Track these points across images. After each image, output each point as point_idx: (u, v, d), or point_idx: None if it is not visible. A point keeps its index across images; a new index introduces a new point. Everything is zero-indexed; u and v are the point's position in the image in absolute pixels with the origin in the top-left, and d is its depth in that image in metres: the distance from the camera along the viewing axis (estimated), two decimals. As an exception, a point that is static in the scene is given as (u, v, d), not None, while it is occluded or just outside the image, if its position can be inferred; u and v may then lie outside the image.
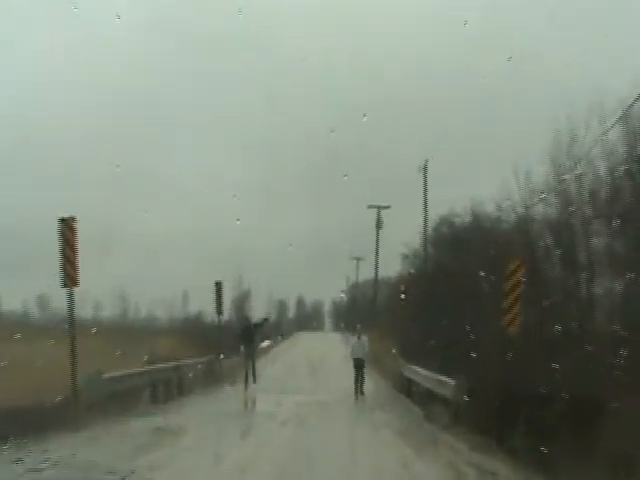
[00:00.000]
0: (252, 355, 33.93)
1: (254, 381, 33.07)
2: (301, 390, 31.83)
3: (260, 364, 38.57)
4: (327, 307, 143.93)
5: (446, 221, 39.13)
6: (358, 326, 40.85)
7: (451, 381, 21.91)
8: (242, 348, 34.41)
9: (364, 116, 26.35)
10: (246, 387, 32.39)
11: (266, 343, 58.24)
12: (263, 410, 26.48)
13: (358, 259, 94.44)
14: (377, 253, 68.72)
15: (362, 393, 31.43)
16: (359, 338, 33.81)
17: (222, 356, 38.10)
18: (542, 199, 24.48)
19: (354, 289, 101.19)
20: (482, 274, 24.26)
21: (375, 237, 67.47)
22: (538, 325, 20.70)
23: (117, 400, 23.49)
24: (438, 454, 17.14)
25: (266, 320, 40.23)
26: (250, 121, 66.54)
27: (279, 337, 79.34)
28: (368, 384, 32.64)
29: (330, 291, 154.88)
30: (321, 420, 23.14)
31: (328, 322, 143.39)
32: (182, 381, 30.98)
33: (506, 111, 38.64)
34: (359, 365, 32.27)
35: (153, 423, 21.13)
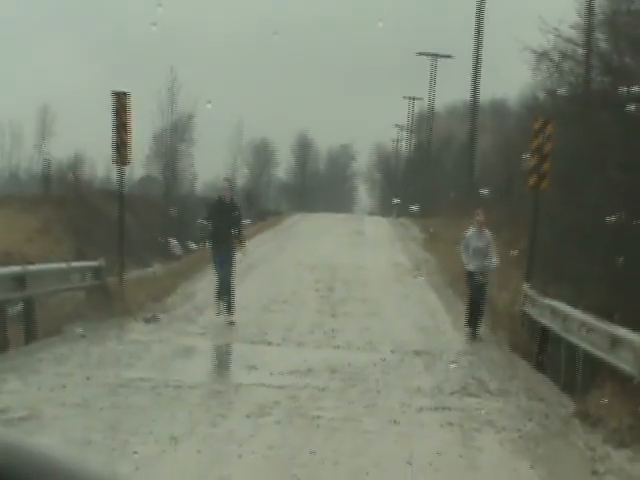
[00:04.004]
0: (228, 264, 18.73)
1: (228, 311, 18.81)
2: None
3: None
4: (363, 164, 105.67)
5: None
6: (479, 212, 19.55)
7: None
8: (210, 250, 19.22)
9: None
10: (225, 314, 18.87)
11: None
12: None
13: (413, 98, 79.82)
14: (479, 29, 49.26)
15: (476, 334, 18.54)
16: (479, 230, 18.60)
17: (153, 267, 24.60)
18: None
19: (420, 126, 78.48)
20: None
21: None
22: None
23: None
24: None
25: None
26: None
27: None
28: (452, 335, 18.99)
29: (365, 138, 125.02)
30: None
31: (364, 196, 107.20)
32: (33, 309, 16.26)
33: None
34: (479, 286, 18.59)
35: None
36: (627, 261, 15.31)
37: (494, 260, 18.65)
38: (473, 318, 18.68)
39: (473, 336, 18.48)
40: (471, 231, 18.85)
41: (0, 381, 12.21)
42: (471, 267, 18.62)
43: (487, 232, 18.81)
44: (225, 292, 18.91)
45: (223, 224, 18.32)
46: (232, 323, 18.57)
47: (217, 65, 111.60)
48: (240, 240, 18.91)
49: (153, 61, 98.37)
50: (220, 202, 18.78)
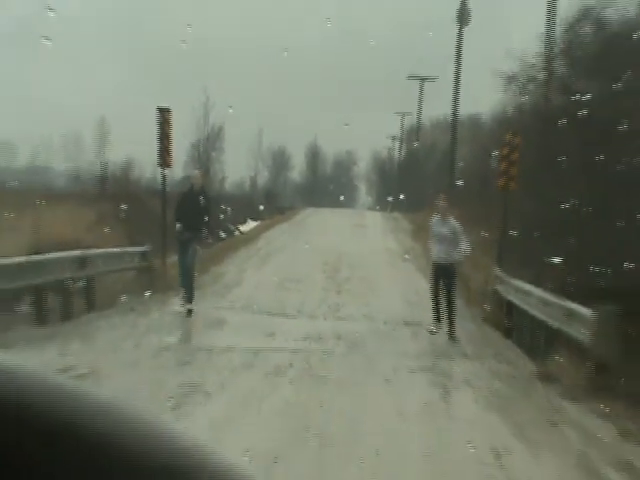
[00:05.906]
0: (192, 251, 16.49)
1: (188, 300, 16.28)
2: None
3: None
4: (363, 168, 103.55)
5: (592, 15, 19.71)
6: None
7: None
8: (178, 237, 16.62)
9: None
10: (185, 304, 16.26)
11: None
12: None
13: (403, 114, 76.39)
14: (460, 48, 43.95)
15: (452, 335, 14.49)
16: (443, 219, 14.72)
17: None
18: None
19: (410, 137, 75.59)
20: None
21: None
22: None
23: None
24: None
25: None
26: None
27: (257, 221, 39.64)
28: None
29: (365, 146, 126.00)
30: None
31: (363, 195, 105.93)
32: (92, 286, 16.48)
33: None
34: (448, 275, 14.73)
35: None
36: (578, 244, 15.01)
37: (463, 248, 14.44)
38: (443, 315, 14.91)
39: (450, 337, 14.55)
40: (435, 217, 15.09)
41: (66, 344, 12.26)
42: (435, 257, 14.84)
43: (452, 220, 14.72)
44: (187, 283, 16.59)
45: (191, 211, 16.20)
46: (190, 312, 16.17)
47: (240, 79, 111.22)
48: (207, 229, 16.71)
49: (190, 77, 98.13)
50: (191, 191, 16.47)
